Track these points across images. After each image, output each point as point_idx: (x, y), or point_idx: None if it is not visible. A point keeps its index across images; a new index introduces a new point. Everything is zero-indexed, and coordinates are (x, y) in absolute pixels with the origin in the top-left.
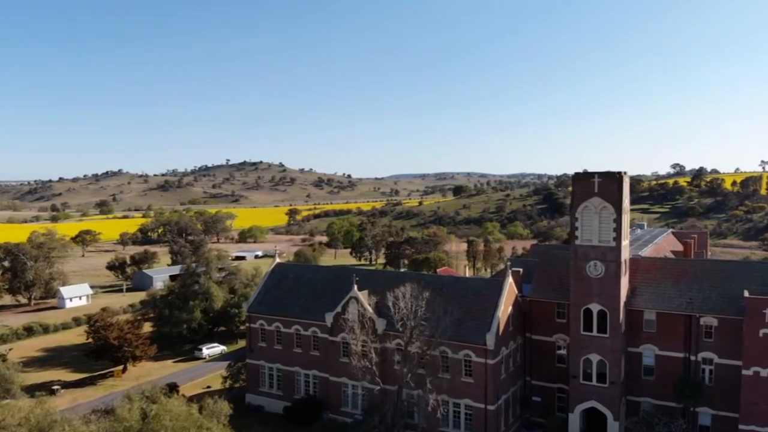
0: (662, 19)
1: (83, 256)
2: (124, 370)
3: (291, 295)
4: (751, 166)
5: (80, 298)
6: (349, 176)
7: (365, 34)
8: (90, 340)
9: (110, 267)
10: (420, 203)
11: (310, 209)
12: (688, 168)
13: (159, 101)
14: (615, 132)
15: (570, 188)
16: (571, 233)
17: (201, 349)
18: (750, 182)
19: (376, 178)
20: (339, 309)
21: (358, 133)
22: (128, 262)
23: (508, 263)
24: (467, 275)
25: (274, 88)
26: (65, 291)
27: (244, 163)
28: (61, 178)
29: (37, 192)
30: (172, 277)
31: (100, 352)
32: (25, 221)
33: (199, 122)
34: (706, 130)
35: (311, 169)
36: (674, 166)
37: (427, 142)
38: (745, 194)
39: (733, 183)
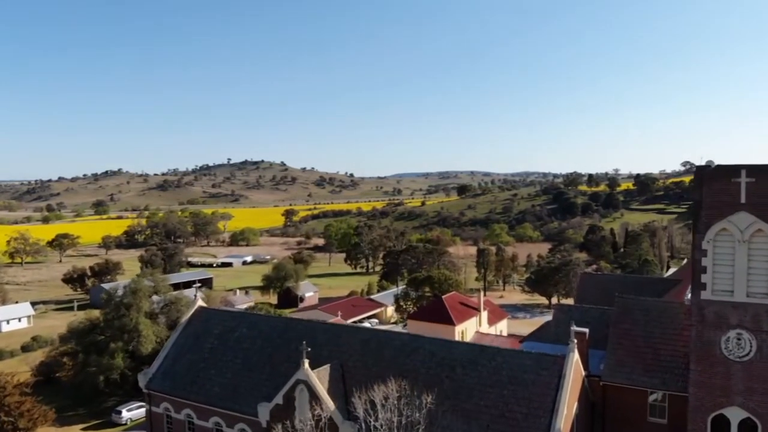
0: (667, 17)
1: (60, 261)
2: None
3: (212, 363)
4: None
5: (19, 320)
6: (351, 175)
7: (368, 34)
8: None
9: (67, 279)
10: (423, 203)
11: (309, 209)
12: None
13: (160, 100)
14: (618, 130)
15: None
16: (693, 278)
17: (120, 411)
18: None
19: (379, 177)
20: (280, 400)
21: (361, 132)
22: (88, 273)
23: (572, 323)
24: (482, 301)
25: (276, 87)
26: (1, 312)
27: (245, 162)
28: (60, 178)
29: (35, 192)
30: None
31: None
32: (16, 222)
33: (201, 122)
34: (711, 128)
35: (313, 168)
36: (685, 163)
37: (429, 141)
38: None
39: None
